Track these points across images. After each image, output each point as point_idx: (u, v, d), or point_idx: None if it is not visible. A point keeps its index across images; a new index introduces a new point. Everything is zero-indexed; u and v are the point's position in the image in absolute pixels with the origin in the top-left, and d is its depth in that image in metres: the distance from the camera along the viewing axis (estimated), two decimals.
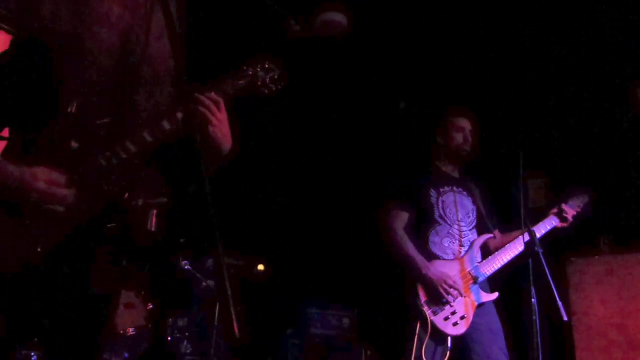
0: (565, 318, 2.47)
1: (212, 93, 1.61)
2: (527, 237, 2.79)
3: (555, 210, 3.14)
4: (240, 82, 1.68)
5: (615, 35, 3.96)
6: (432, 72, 4.63)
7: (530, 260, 2.63)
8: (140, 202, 5.08)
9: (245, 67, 1.70)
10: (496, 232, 3.22)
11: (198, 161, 1.41)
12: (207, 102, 1.59)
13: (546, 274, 2.58)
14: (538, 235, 3.00)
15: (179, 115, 1.55)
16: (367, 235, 3.95)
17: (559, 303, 2.49)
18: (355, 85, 4.88)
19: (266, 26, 4.23)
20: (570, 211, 3.14)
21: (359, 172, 5.06)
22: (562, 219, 3.13)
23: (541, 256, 2.62)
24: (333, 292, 4.51)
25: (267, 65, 1.72)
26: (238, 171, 5.44)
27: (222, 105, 1.62)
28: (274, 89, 1.75)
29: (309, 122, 5.25)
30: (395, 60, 4.61)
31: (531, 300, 2.53)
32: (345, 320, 4.35)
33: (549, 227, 3.11)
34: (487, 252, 3.10)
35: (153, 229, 4.83)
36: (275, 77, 1.74)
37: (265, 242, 4.98)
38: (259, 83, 1.70)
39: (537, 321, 2.48)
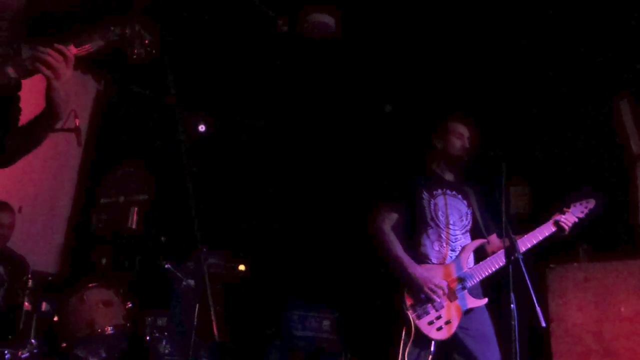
0: (544, 324, 2.50)
1: (62, 46, 1.54)
2: (508, 244, 2.75)
3: (554, 217, 3.11)
4: (104, 38, 1.63)
5: (600, 48, 4.03)
6: (424, 76, 4.68)
7: (510, 267, 2.64)
8: (121, 199, 5.06)
9: (112, 27, 1.67)
10: (493, 236, 3.21)
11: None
12: (55, 54, 1.51)
13: (526, 281, 2.60)
14: (529, 244, 3.02)
15: (10, 70, 1.48)
16: (353, 238, 4.08)
17: (538, 309, 2.53)
18: (349, 86, 4.92)
19: (255, 27, 4.28)
20: (570, 218, 3.11)
21: (347, 174, 5.08)
22: (559, 228, 3.10)
23: (521, 263, 2.65)
24: (314, 295, 4.53)
25: (137, 29, 1.70)
26: (224, 171, 5.49)
27: (71, 61, 1.56)
28: (143, 54, 1.71)
29: (299, 122, 5.27)
30: (386, 62, 4.65)
31: (510, 306, 2.55)
32: (326, 323, 4.39)
33: (542, 236, 3.08)
34: (484, 257, 3.10)
35: (134, 226, 4.84)
36: (146, 42, 1.71)
37: (248, 243, 4.99)
38: (126, 43, 1.67)
39: (516, 327, 2.50)
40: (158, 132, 4.90)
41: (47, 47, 1.52)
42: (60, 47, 1.53)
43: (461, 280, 3.00)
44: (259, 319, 4.28)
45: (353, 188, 4.89)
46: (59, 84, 1.54)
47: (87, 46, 1.61)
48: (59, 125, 1.76)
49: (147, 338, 3.61)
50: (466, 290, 2.99)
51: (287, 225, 5.19)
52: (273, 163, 5.36)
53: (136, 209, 4.97)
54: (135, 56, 1.70)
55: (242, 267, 4.46)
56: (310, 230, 5.04)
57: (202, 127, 5.19)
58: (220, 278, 4.48)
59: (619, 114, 3.98)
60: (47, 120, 1.62)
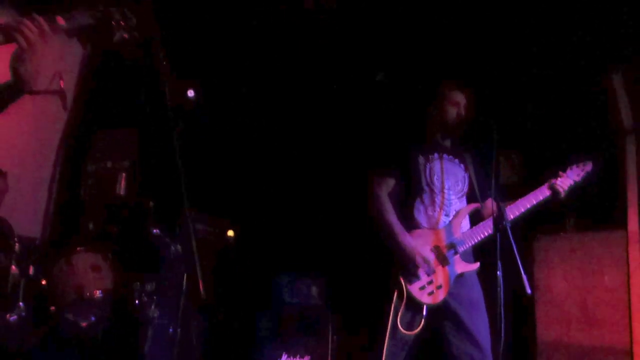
0: (529, 291, 2.53)
1: (43, 18, 1.54)
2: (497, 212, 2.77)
3: (549, 181, 3.08)
4: (93, 17, 1.66)
5: (597, 19, 4.02)
6: (420, 45, 4.67)
7: (497, 234, 2.67)
8: (109, 164, 5.02)
9: (101, 8, 1.70)
10: (488, 201, 3.16)
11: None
12: (30, 25, 1.51)
13: (513, 249, 2.64)
14: (523, 208, 3.01)
15: None
16: (346, 202, 4.12)
17: (524, 276, 2.56)
18: (344, 53, 4.88)
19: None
20: (566, 181, 3.08)
21: (342, 139, 5.07)
22: (555, 191, 3.07)
23: (509, 231, 2.68)
24: (304, 261, 4.56)
25: (124, 11, 1.73)
26: (212, 136, 5.44)
27: (47, 35, 1.56)
28: (126, 35, 1.75)
29: (293, 88, 5.22)
30: (382, 29, 4.63)
31: (497, 273, 2.56)
32: (315, 289, 4.44)
33: (536, 200, 3.06)
34: (480, 221, 3.11)
35: (122, 193, 4.81)
36: (131, 24, 1.75)
37: (237, 208, 4.99)
38: (113, 23, 1.70)
39: (502, 293, 2.53)
40: (146, 96, 4.84)
41: (26, 16, 1.51)
42: (39, 18, 1.51)
43: (453, 245, 3.02)
44: (248, 285, 4.29)
45: (347, 153, 4.87)
46: (28, 55, 1.53)
47: (74, 21, 1.62)
48: (42, 87, 1.74)
49: (136, 302, 3.62)
50: (458, 255, 3.01)
51: (277, 191, 5.18)
52: (265, 130, 5.32)
53: (124, 174, 4.93)
54: (118, 35, 1.72)
55: (230, 233, 4.46)
56: (300, 195, 5.04)
57: (191, 93, 5.11)
58: (209, 244, 4.49)
59: (612, 87, 3.97)
60: (9, 91, 1.62)
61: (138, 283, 3.69)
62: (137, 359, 3.49)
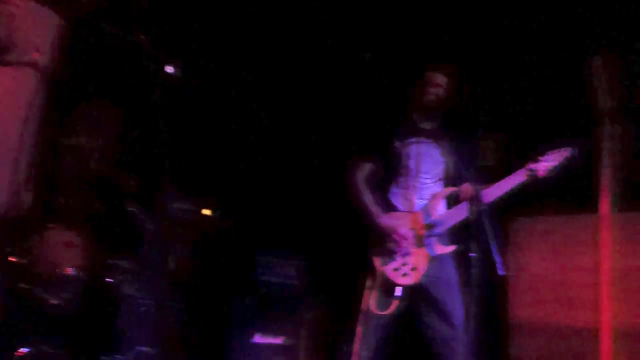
0: (501, 272, 2.55)
1: None
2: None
3: (526, 167, 3.13)
4: None
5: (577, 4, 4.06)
6: (407, 26, 4.66)
7: (474, 217, 2.74)
8: (86, 139, 4.91)
9: None
10: (465, 185, 3.23)
11: None
12: None
13: (489, 231, 2.66)
14: (500, 192, 3.06)
15: None
16: (324, 184, 4.10)
17: (497, 257, 2.57)
18: (328, 33, 4.86)
19: None
20: (543, 165, 3.11)
21: (323, 121, 5.05)
22: (532, 175, 3.11)
23: (485, 214, 2.71)
24: (282, 241, 4.54)
25: None
26: (194, 113, 5.37)
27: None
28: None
29: (275, 69, 5.16)
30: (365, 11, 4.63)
31: (470, 255, 2.65)
32: (293, 270, 4.43)
33: (514, 183, 3.10)
34: (453, 203, 3.21)
35: (99, 168, 4.72)
36: None
37: (218, 187, 4.95)
38: None
39: (475, 275, 2.60)
40: (127, 71, 4.74)
41: None
42: None
43: (429, 227, 3.06)
44: (226, 265, 4.28)
45: (328, 135, 4.87)
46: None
47: None
48: (14, 58, 1.69)
49: (111, 280, 3.58)
50: (434, 237, 3.05)
51: (258, 171, 5.14)
52: (248, 109, 5.26)
53: (102, 149, 4.84)
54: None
55: (206, 212, 4.43)
56: (281, 176, 5.02)
57: (169, 69, 5.01)
58: (189, 223, 4.45)
59: (591, 72, 3.98)
60: None
61: (113, 261, 3.62)
62: (112, 337, 3.44)
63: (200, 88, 5.17)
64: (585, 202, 3.95)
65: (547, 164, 3.13)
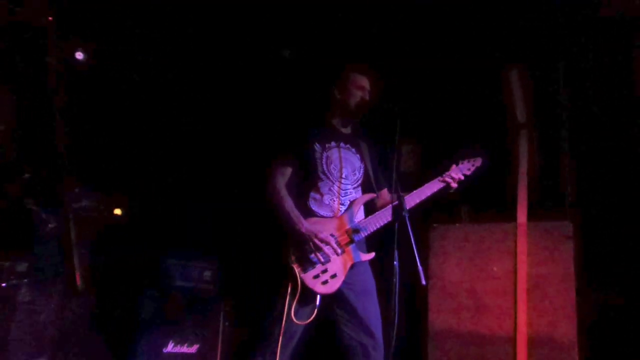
0: (424, 282, 2.56)
1: None
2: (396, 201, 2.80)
3: (442, 175, 3.19)
4: None
5: (496, 17, 4.20)
6: (322, 27, 4.64)
7: (396, 224, 2.68)
8: None
9: None
10: (383, 191, 3.26)
11: None
12: None
13: (410, 238, 2.64)
14: (418, 199, 3.09)
15: None
16: (242, 186, 4.00)
17: (420, 268, 2.56)
18: (243, 27, 4.76)
19: None
20: (457, 175, 3.18)
21: (239, 119, 4.94)
22: (446, 184, 3.17)
23: (407, 221, 2.70)
24: (196, 244, 4.41)
25: None
26: (103, 105, 5.07)
27: None
28: None
29: (189, 63, 5.00)
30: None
31: (393, 263, 2.59)
32: (207, 274, 4.29)
33: (430, 191, 3.14)
34: (373, 211, 3.14)
35: None
36: None
37: (126, 186, 4.71)
38: None
39: (397, 283, 2.55)
40: (25, 55, 4.40)
41: None
42: None
43: (350, 233, 3.00)
44: (134, 267, 4.06)
45: (246, 134, 4.76)
46: None
47: None
48: None
49: (3, 285, 3.31)
50: (355, 244, 3.01)
51: (172, 168, 4.95)
52: (160, 103, 5.05)
53: None
54: None
55: (117, 212, 4.21)
56: (196, 175, 4.86)
57: (79, 55, 4.70)
58: (94, 222, 4.19)
59: (508, 83, 4.14)
60: None
61: (7, 263, 3.39)
62: (3, 346, 3.18)
63: (111, 82, 4.91)
64: (500, 211, 4.09)
65: (460, 173, 3.20)
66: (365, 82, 3.25)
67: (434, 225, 4.16)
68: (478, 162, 3.27)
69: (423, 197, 3.12)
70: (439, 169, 3.24)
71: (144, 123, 4.93)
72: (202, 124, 5.00)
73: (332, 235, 2.98)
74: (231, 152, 4.79)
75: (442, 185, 3.17)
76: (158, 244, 4.25)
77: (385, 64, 4.08)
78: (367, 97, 3.21)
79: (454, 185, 3.16)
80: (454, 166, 3.23)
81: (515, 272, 3.79)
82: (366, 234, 3.05)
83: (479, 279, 3.90)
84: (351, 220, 3.06)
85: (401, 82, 4.25)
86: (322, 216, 3.05)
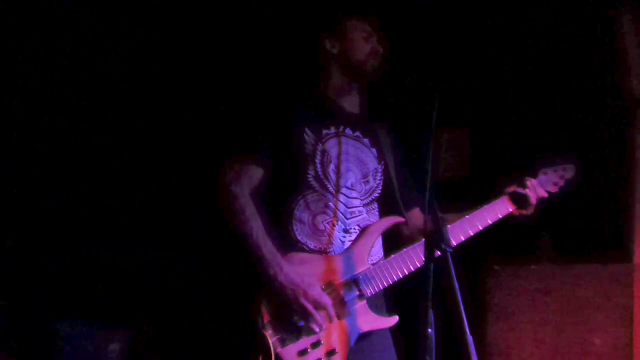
0: (475, 357, 1.90)
1: None
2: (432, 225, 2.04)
3: (512, 188, 2.55)
4: None
5: None
6: None
7: (431, 267, 1.94)
8: None
9: None
10: (415, 211, 2.63)
11: None
12: None
13: (455, 292, 1.90)
14: (473, 230, 2.49)
15: None
16: (179, 201, 3.38)
17: (470, 340, 1.88)
18: None
19: None
20: (538, 191, 2.55)
21: (181, 103, 3.97)
22: (520, 204, 2.53)
23: (450, 263, 1.95)
24: (98, 303, 3.64)
25: None
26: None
27: None
28: None
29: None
30: None
31: (427, 331, 1.86)
32: (114, 346, 3.51)
33: (493, 218, 2.51)
34: (397, 243, 2.56)
35: None
36: None
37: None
38: None
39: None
40: None
41: None
42: None
43: (355, 283, 2.35)
44: (12, 336, 3.38)
45: (188, 121, 3.86)
46: None
47: None
48: None
49: None
50: (364, 302, 2.35)
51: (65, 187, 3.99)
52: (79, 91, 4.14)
53: None
54: None
55: None
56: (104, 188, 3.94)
57: None
58: None
59: (620, 34, 3.13)
60: None
61: None
62: None
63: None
64: (606, 246, 3.26)
65: (542, 189, 2.55)
66: (370, 29, 2.60)
67: (495, 267, 3.46)
68: (570, 171, 2.62)
69: (480, 226, 2.46)
70: (505, 180, 2.58)
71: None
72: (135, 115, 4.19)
73: (329, 284, 2.30)
74: (159, 144, 3.86)
75: (511, 208, 2.51)
76: (46, 303, 3.54)
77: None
78: (377, 47, 2.52)
79: (531, 206, 2.52)
80: (530, 179, 2.57)
81: (631, 346, 2.96)
82: (378, 288, 2.38)
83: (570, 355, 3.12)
84: (356, 261, 2.39)
85: (437, 40, 3.40)
86: (312, 250, 2.41)
